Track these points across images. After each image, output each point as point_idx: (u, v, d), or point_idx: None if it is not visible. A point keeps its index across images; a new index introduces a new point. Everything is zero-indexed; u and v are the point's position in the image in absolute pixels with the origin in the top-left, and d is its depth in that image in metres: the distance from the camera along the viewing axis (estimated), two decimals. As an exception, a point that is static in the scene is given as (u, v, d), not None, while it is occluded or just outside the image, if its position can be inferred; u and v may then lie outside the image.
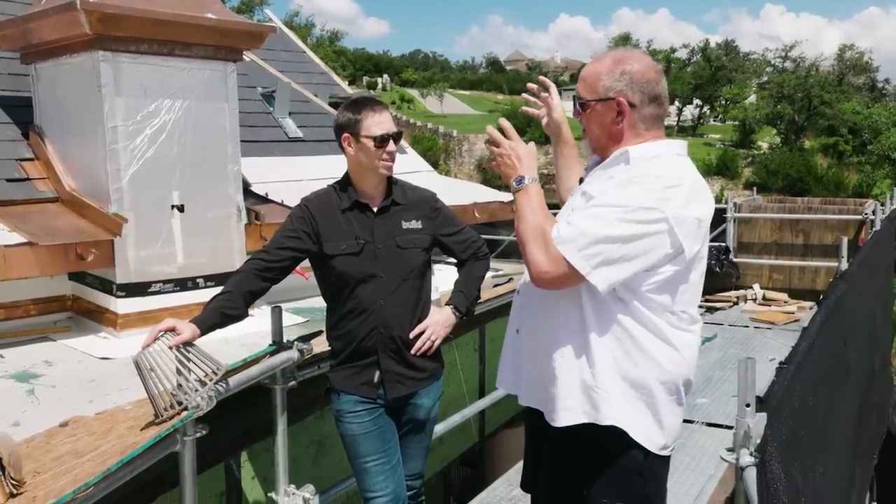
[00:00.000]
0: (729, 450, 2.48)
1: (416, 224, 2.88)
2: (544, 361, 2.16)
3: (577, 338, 2.10)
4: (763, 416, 2.47)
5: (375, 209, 2.84)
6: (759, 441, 2.43)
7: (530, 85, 2.61)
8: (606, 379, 2.07)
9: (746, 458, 2.39)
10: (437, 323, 2.89)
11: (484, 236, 3.18)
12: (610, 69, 2.11)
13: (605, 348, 2.07)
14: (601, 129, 2.16)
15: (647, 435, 2.10)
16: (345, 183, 2.88)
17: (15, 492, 2.37)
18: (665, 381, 2.10)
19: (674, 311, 2.08)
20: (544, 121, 2.58)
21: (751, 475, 2.36)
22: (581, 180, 2.29)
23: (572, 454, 2.16)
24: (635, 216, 1.95)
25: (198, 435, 2.58)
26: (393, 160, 2.82)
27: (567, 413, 2.12)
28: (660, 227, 1.96)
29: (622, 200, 1.98)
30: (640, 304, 2.05)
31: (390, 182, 2.90)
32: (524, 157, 2.14)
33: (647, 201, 1.96)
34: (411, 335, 2.84)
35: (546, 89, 2.58)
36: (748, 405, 2.43)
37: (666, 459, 2.19)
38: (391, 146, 2.80)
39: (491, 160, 2.21)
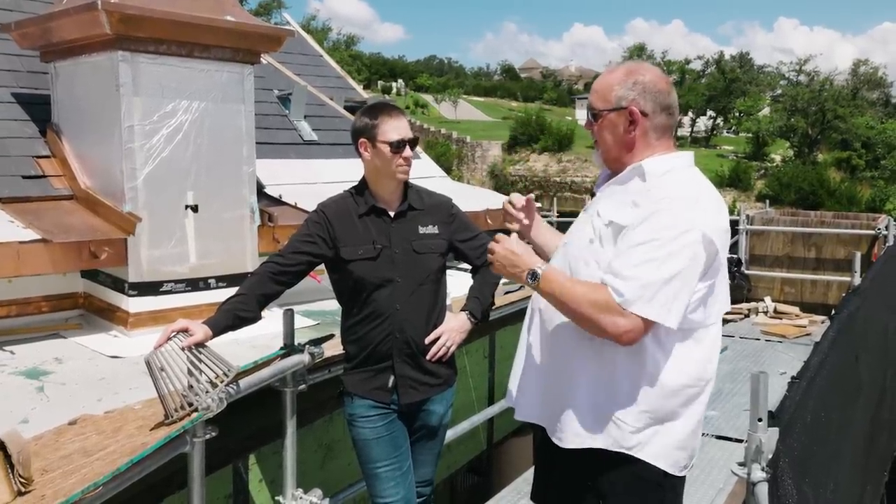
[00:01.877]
0: (740, 464, 2.46)
1: (432, 229, 2.88)
2: (561, 383, 2.15)
3: (599, 362, 2.08)
4: (775, 431, 2.44)
5: (392, 214, 2.85)
6: (770, 456, 2.41)
7: (507, 204, 2.43)
8: (629, 408, 2.06)
9: (758, 474, 2.36)
10: (453, 329, 2.89)
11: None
12: (622, 79, 2.14)
13: (629, 375, 2.06)
14: (614, 138, 2.17)
15: (670, 460, 2.11)
16: (361, 188, 2.88)
17: (23, 490, 2.37)
18: (689, 405, 2.11)
19: (706, 326, 2.10)
20: (516, 226, 2.40)
21: (762, 490, 2.33)
22: (592, 194, 2.27)
23: (590, 467, 2.14)
24: (678, 243, 1.97)
25: (207, 437, 2.58)
26: (409, 166, 2.82)
27: (585, 438, 2.10)
28: (699, 244, 1.99)
29: (659, 232, 1.98)
30: (666, 330, 2.04)
31: (407, 187, 2.91)
32: (520, 252, 2.14)
33: (682, 224, 1.98)
34: (427, 341, 2.84)
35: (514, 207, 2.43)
36: (760, 420, 2.41)
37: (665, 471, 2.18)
38: (407, 152, 2.80)
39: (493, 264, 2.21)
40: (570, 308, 2.03)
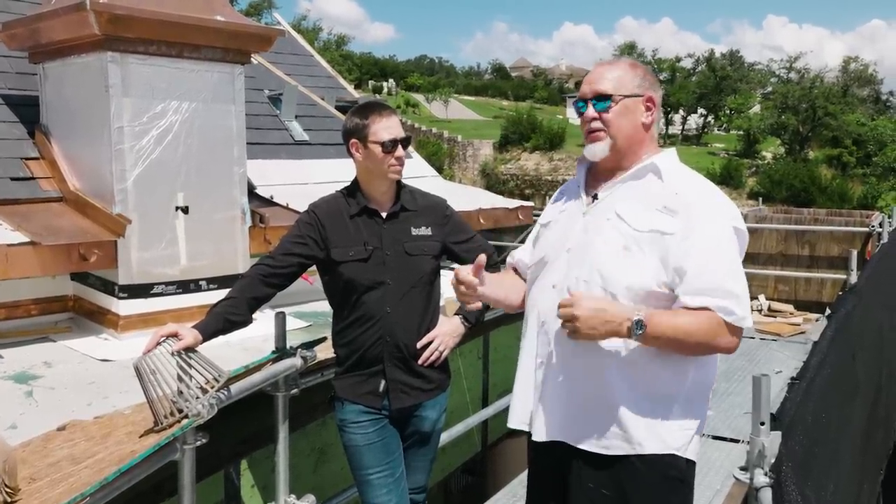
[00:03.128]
0: (742, 468, 2.42)
1: (425, 230, 2.83)
2: (595, 393, 2.05)
3: (637, 368, 2.02)
4: (777, 435, 2.40)
5: (384, 215, 2.80)
6: (773, 461, 2.37)
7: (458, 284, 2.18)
8: (677, 408, 2.04)
9: (761, 479, 2.32)
10: (446, 333, 2.84)
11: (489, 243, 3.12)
12: (631, 71, 2.13)
13: (672, 376, 2.03)
14: (630, 124, 2.10)
15: (694, 450, 2.11)
16: (353, 188, 2.84)
17: (9, 500, 2.32)
18: (710, 389, 2.12)
19: None
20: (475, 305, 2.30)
21: (766, 496, 2.29)
22: (595, 196, 2.15)
23: (612, 471, 2.06)
24: (732, 237, 2.04)
25: (198, 443, 2.53)
26: (402, 165, 2.78)
27: (634, 444, 2.03)
28: (739, 235, 2.07)
29: (716, 233, 2.01)
30: None
31: (400, 187, 2.86)
32: (606, 306, 1.92)
33: (729, 223, 2.04)
34: (419, 345, 2.78)
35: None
36: (762, 423, 2.37)
37: (695, 465, 2.15)
38: (399, 151, 2.75)
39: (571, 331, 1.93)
40: (682, 343, 1.95)
